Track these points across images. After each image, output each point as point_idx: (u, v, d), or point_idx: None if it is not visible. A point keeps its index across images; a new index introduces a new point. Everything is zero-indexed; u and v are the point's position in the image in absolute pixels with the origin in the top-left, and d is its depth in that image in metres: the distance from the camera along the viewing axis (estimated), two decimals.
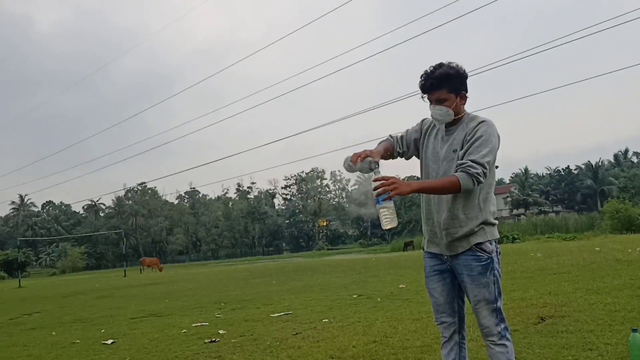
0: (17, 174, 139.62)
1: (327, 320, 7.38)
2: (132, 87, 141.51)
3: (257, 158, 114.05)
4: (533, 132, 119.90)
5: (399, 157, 3.27)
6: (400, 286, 10.95)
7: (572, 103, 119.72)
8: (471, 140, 2.92)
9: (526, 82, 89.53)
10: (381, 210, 2.82)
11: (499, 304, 3.00)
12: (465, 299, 3.20)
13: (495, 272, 3.02)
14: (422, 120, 3.30)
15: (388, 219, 2.85)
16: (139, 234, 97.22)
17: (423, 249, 3.35)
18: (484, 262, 2.99)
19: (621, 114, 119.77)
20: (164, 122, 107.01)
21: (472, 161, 2.82)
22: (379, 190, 2.76)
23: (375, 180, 2.79)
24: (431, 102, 3.03)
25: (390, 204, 2.82)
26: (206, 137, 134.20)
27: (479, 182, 2.85)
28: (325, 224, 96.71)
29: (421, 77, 3.05)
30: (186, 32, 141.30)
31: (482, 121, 2.99)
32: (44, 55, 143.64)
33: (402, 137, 3.25)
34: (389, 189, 2.75)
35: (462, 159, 2.89)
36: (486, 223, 3.02)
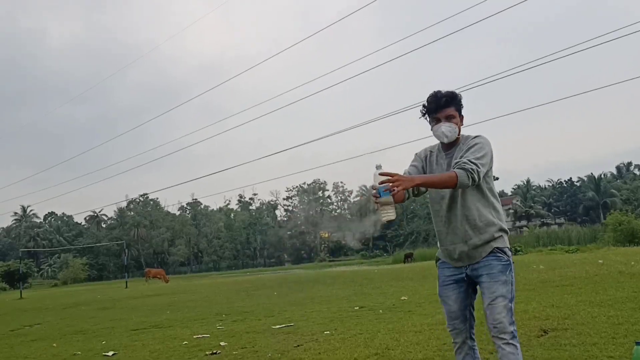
0: (20, 185, 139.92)
1: (328, 332, 7.36)
2: (137, 100, 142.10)
3: (259, 169, 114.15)
4: (535, 144, 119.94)
5: (412, 196, 3.36)
6: (402, 298, 10.91)
7: (573, 115, 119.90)
8: (466, 148, 3.17)
9: (528, 94, 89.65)
10: (382, 203, 2.97)
11: (513, 305, 3.14)
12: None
13: (513, 274, 3.22)
14: (416, 155, 3.51)
15: (389, 213, 3.02)
16: (141, 245, 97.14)
17: (437, 260, 3.51)
18: (504, 262, 3.20)
19: (624, 126, 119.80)
20: (167, 134, 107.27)
21: (468, 160, 3.03)
22: (385, 185, 2.89)
23: (381, 175, 2.93)
24: (439, 120, 3.23)
25: (391, 198, 2.96)
26: (208, 149, 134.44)
27: (474, 180, 3.01)
28: (327, 235, 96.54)
29: (431, 98, 3.29)
30: (191, 47, 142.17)
31: (477, 135, 3.26)
32: (49, 68, 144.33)
33: (409, 173, 3.40)
34: (395, 185, 2.86)
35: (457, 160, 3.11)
36: (503, 230, 3.26)
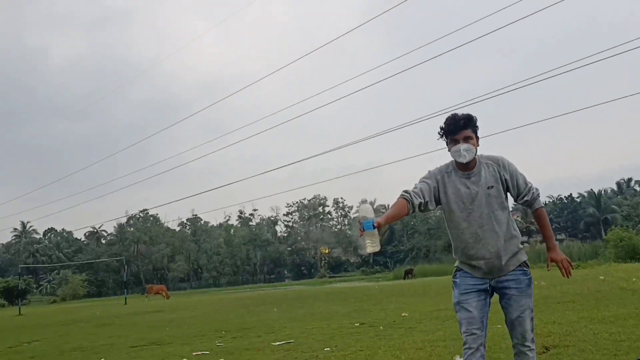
0: (20, 201, 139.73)
1: (328, 349, 7.31)
2: (137, 117, 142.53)
3: (259, 185, 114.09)
4: (534, 159, 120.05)
5: (418, 210, 3.52)
6: (403, 315, 10.86)
7: (574, 131, 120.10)
8: (510, 176, 3.51)
9: (527, 110, 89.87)
10: (367, 236, 3.15)
11: (534, 315, 3.50)
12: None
13: (533, 288, 3.56)
14: (430, 172, 3.64)
15: (373, 245, 3.17)
16: (140, 261, 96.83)
17: (457, 270, 3.67)
18: (529, 276, 3.53)
19: (623, 142, 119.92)
20: (167, 150, 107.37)
21: (531, 188, 3.53)
22: (369, 219, 3.14)
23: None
24: (457, 142, 3.44)
25: (375, 232, 3.16)
26: (208, 165, 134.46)
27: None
28: (327, 251, 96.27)
29: (449, 120, 3.49)
30: (191, 65, 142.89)
31: (501, 157, 3.58)
32: (51, 85, 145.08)
33: (421, 189, 3.52)
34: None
35: (521, 195, 3.53)
36: (521, 243, 3.60)
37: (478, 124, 3.54)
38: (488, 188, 3.46)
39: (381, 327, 9.14)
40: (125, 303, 36.41)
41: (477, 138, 3.52)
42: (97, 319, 19.29)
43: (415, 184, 3.57)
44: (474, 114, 3.53)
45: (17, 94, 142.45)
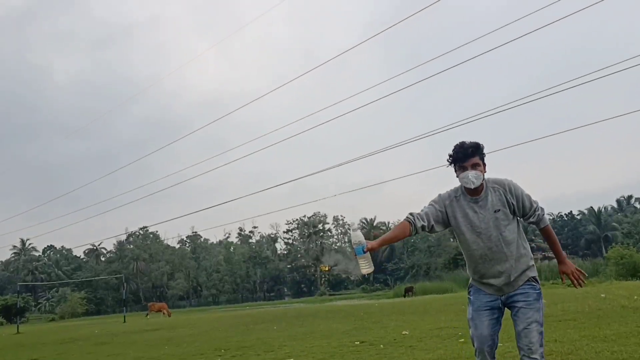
0: (20, 218, 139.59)
1: None
2: (138, 134, 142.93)
3: (260, 202, 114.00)
4: (535, 176, 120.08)
5: (423, 232, 3.81)
6: (403, 333, 10.80)
7: (573, 148, 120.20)
8: (516, 199, 3.72)
9: (526, 127, 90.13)
10: (359, 259, 3.54)
11: (543, 329, 3.60)
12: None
13: (543, 302, 3.71)
14: (440, 196, 3.88)
15: (366, 267, 3.57)
16: (140, 279, 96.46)
17: (470, 287, 3.95)
18: (538, 291, 3.70)
19: (623, 159, 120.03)
20: (168, 167, 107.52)
21: (536, 209, 3.77)
22: (361, 244, 3.50)
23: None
24: (466, 169, 3.66)
25: (367, 255, 3.54)
26: (209, 181, 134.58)
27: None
28: (327, 269, 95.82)
29: (457, 149, 3.72)
30: (192, 82, 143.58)
31: (504, 180, 3.78)
32: (52, 102, 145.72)
33: (427, 212, 3.78)
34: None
35: (527, 216, 3.78)
36: (533, 259, 3.82)
37: (485, 150, 3.76)
38: (495, 212, 3.68)
39: (382, 346, 9.09)
40: (125, 321, 36.21)
41: (484, 165, 3.73)
42: (95, 337, 19.17)
43: (424, 207, 3.83)
44: (481, 142, 3.74)
45: (18, 111, 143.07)
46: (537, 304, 3.64)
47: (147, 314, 42.69)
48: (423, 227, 3.73)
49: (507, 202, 3.69)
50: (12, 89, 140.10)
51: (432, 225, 3.76)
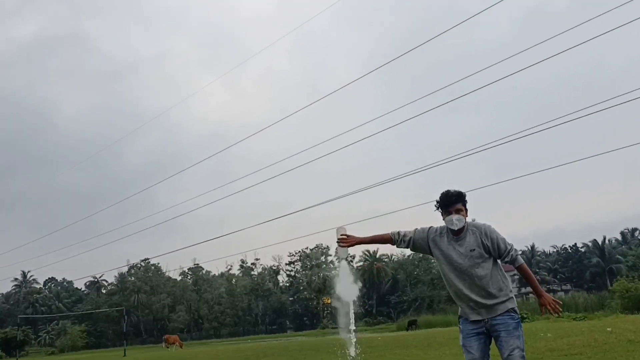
0: (21, 250, 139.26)
1: None
2: (141, 166, 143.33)
3: (262, 234, 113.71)
4: (538, 208, 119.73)
5: (401, 244, 4.73)
6: None
7: (577, 180, 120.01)
8: (491, 242, 4.36)
9: (528, 160, 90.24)
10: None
11: (525, 354, 4.17)
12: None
13: (522, 330, 4.31)
14: (429, 229, 4.63)
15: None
16: (141, 312, 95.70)
17: (460, 317, 4.58)
18: (517, 320, 4.30)
19: (628, 191, 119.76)
20: (172, 198, 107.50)
21: (511, 251, 4.36)
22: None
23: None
24: (450, 213, 4.39)
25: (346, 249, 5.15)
26: (212, 213, 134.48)
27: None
28: (329, 301, 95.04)
29: (443, 196, 4.49)
30: (198, 115, 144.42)
31: (482, 224, 4.46)
32: (58, 135, 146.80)
33: (410, 238, 4.66)
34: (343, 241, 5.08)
35: (502, 256, 4.38)
36: (511, 292, 4.38)
37: (467, 198, 4.51)
38: (471, 250, 4.33)
39: None
40: (125, 354, 35.85)
41: (466, 210, 4.47)
42: None
43: (415, 228, 4.68)
44: (463, 191, 4.51)
45: (22, 143, 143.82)
46: (517, 331, 4.23)
47: (167, 346, 43.80)
48: (403, 240, 4.65)
49: (482, 243, 4.32)
50: (20, 121, 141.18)
51: (412, 241, 4.63)
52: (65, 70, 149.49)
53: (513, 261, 4.33)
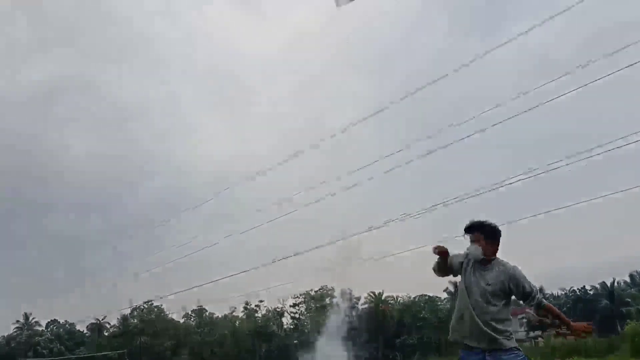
0: (24, 293, 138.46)
1: None
2: (147, 208, 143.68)
3: (266, 275, 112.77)
4: (544, 249, 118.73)
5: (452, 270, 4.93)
6: None
7: (584, 221, 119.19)
8: (516, 280, 4.55)
9: (537, 199, 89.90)
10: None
11: None
12: None
13: None
14: (465, 253, 4.83)
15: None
16: (143, 354, 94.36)
17: (460, 349, 4.74)
18: (522, 356, 4.52)
19: (636, 233, 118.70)
20: (175, 240, 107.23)
21: (535, 294, 4.55)
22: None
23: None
24: (472, 241, 4.66)
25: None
26: (216, 254, 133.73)
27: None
28: None
29: (466, 225, 4.75)
30: (203, 157, 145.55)
31: (512, 267, 4.61)
32: (65, 178, 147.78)
33: (455, 255, 4.85)
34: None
35: (526, 299, 4.56)
36: (512, 334, 4.52)
37: (488, 229, 4.74)
38: (487, 285, 4.51)
39: None
40: None
41: (489, 241, 4.66)
42: None
43: (458, 251, 4.88)
44: (485, 221, 4.71)
45: (31, 187, 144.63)
46: None
47: None
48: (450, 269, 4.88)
49: (503, 282, 4.50)
50: (29, 165, 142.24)
51: (450, 269, 4.83)
52: (74, 114, 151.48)
53: (538, 304, 4.52)
